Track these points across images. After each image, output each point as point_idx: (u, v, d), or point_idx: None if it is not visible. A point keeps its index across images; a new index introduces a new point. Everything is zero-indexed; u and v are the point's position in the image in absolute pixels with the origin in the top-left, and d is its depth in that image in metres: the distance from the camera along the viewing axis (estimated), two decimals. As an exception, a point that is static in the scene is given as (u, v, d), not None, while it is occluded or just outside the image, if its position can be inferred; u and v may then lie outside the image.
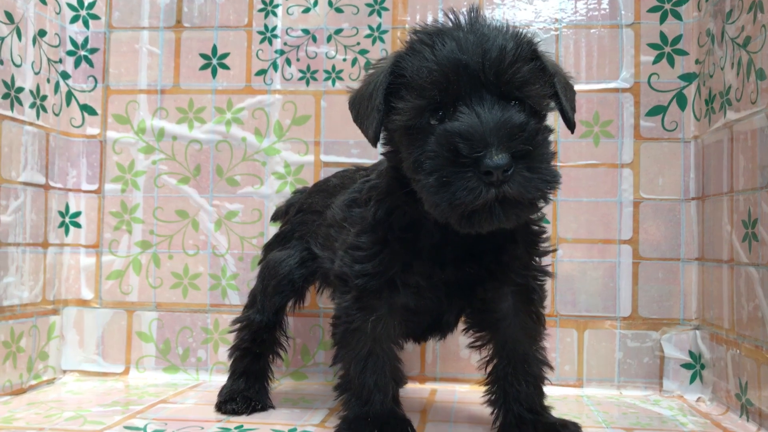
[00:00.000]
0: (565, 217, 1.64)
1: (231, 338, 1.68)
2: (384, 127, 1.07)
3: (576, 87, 1.60)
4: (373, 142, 1.06)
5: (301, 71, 1.73)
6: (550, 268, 1.21)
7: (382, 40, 1.71)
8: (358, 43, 1.71)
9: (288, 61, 1.73)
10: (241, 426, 1.27)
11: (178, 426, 1.25)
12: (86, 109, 1.77)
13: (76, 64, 1.77)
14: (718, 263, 1.46)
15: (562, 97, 1.06)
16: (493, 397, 1.20)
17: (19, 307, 1.56)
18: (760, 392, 1.26)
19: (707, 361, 1.53)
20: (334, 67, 1.72)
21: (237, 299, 1.72)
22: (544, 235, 1.18)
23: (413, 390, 1.60)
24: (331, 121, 1.71)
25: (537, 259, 1.17)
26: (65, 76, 1.75)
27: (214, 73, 1.75)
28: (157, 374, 1.72)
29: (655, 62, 1.63)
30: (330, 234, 1.29)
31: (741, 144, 1.34)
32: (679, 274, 1.61)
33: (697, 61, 1.60)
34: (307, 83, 1.72)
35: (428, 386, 1.64)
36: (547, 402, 1.20)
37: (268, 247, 1.51)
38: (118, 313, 1.75)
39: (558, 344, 1.63)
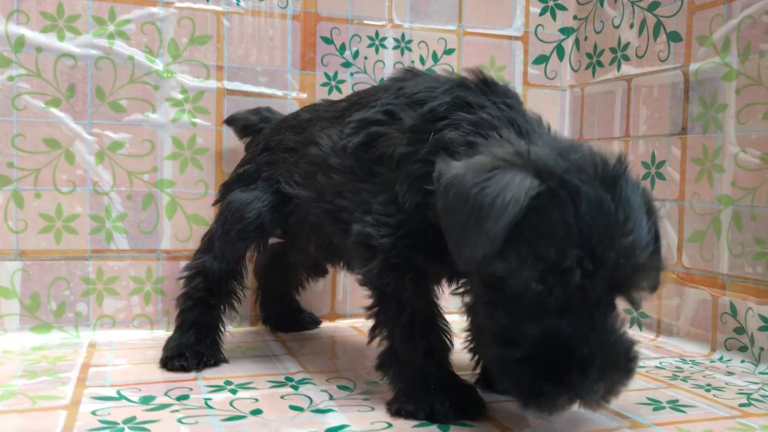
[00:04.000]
0: (464, 155, 1.73)
1: (119, 288, 1.49)
2: None
3: (475, 31, 1.72)
4: (465, 267, 0.87)
5: (200, -16, 1.52)
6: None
7: (290, -39, 1.58)
8: (265, -39, 1.56)
9: (184, -29, 1.51)
10: (230, 381, 1.14)
11: (159, 389, 1.09)
12: None
13: None
14: (603, 198, 1.68)
15: (662, 263, 0.94)
16: (474, 344, 1.16)
17: None
18: (659, 305, 1.51)
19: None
20: (238, -16, 1.55)
21: (125, 243, 1.49)
22: None
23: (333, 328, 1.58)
24: (236, 45, 1.54)
25: None
26: None
27: (90, -25, 1.45)
28: (23, 335, 1.42)
29: (541, 14, 1.77)
30: (315, 175, 1.17)
31: (644, 96, 1.55)
32: (554, 208, 1.81)
33: (575, 17, 1.78)
34: (207, -1, 1.53)
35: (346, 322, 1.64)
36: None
37: (227, 187, 1.32)
38: (-34, 265, 1.40)
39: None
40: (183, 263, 1.43)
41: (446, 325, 1.05)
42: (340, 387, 1.12)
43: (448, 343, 1.04)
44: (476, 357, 1.16)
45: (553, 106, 1.79)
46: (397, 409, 0.99)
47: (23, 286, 1.44)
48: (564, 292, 0.81)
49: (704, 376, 1.22)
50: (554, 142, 0.90)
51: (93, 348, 1.37)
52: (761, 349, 1.27)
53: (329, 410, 1.00)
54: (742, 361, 1.30)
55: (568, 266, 0.80)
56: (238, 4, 1.54)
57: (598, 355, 0.81)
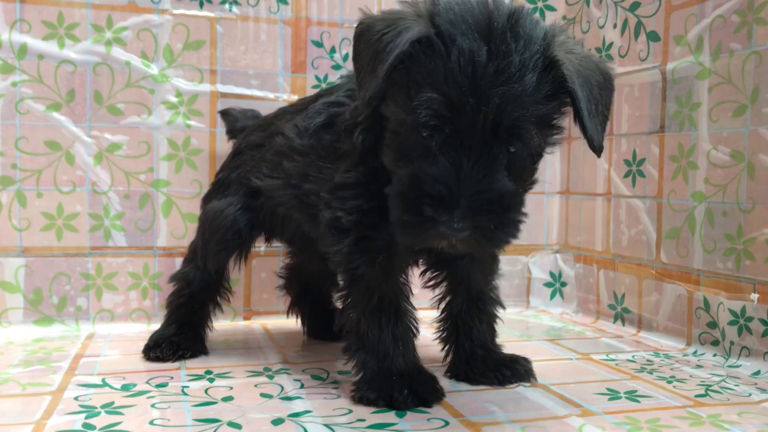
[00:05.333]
0: (453, 154, 1.77)
1: (118, 284, 1.56)
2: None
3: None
4: (365, 107, 0.96)
5: (193, -8, 1.59)
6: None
7: (281, -33, 1.64)
8: (257, -32, 1.62)
9: (178, -21, 1.58)
10: (210, 371, 1.20)
11: (142, 378, 1.15)
12: None
13: None
14: (589, 196, 1.71)
15: (586, 117, 0.93)
16: (445, 334, 1.22)
17: None
18: (640, 300, 1.53)
19: (569, 279, 1.80)
20: (230, -9, 1.61)
21: (123, 240, 1.56)
22: None
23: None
24: (228, 49, 1.60)
25: None
26: None
27: (88, -16, 1.52)
28: (26, 328, 1.50)
29: (529, 15, 1.81)
30: (281, 162, 1.21)
31: (626, 95, 1.58)
32: (543, 205, 1.84)
33: (564, 18, 1.81)
34: (201, 5, 1.58)
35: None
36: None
37: (207, 198, 1.38)
38: (-28, 261, 1.49)
39: (447, 272, 1.78)
40: (179, 260, 1.51)
41: (412, 313, 1.09)
42: (314, 377, 1.18)
43: (414, 330, 1.08)
44: (447, 347, 1.21)
45: (542, 105, 1.82)
46: (360, 397, 1.04)
47: (26, 282, 1.52)
48: (439, 137, 0.88)
49: (671, 369, 1.24)
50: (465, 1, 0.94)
51: (89, 340, 1.44)
52: (731, 342, 1.30)
53: (297, 398, 1.06)
54: (714, 355, 1.33)
55: (426, 115, 0.87)
56: (230, 11, 1.61)
57: (461, 197, 0.86)
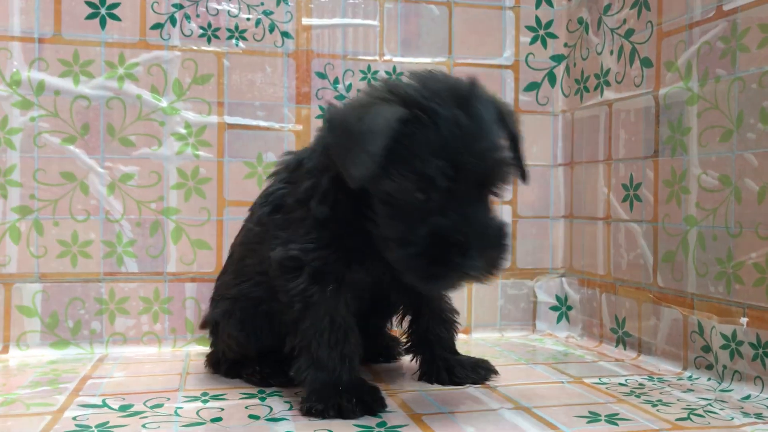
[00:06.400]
0: (456, 180, 1.80)
1: (130, 308, 1.63)
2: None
3: (466, 61, 1.80)
4: (356, 185, 1.03)
5: (201, 28, 1.66)
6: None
7: (286, 2, 1.70)
8: (262, 3, 1.69)
9: (187, 17, 1.65)
10: (206, 393, 1.25)
11: (141, 399, 1.20)
12: (-59, 54, 1.53)
13: (-73, 2, 1.52)
14: (591, 220, 1.72)
15: (523, 157, 1.15)
16: (415, 347, 1.37)
17: None
18: (640, 324, 1.54)
19: (574, 303, 1.81)
20: (237, 26, 1.67)
21: (135, 266, 1.63)
22: None
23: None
24: (235, 82, 1.67)
25: None
26: None
27: (102, 24, 1.61)
28: (43, 350, 1.57)
29: (531, 43, 1.84)
30: (245, 259, 1.33)
31: (622, 120, 1.59)
32: (548, 229, 1.86)
33: (565, 45, 1.84)
34: (209, 41, 1.66)
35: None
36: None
37: None
38: (-7, 287, 1.57)
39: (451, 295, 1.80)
40: (188, 284, 1.61)
41: (356, 332, 1.20)
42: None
43: (360, 349, 1.20)
44: (420, 357, 1.36)
45: (545, 131, 1.85)
46: (308, 408, 1.11)
47: (43, 306, 1.59)
48: (439, 196, 1.01)
49: (660, 393, 1.25)
50: (415, 76, 1.09)
51: (101, 362, 1.50)
52: (724, 366, 1.29)
53: (282, 419, 1.09)
54: (709, 379, 1.32)
55: (433, 175, 1.00)
56: (237, 45, 1.68)
57: (474, 238, 1.01)
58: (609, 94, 1.65)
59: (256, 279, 1.29)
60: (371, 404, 1.12)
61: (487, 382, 1.33)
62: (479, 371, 1.34)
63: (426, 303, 1.35)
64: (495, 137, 1.05)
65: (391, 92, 1.06)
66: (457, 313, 1.40)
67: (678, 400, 1.20)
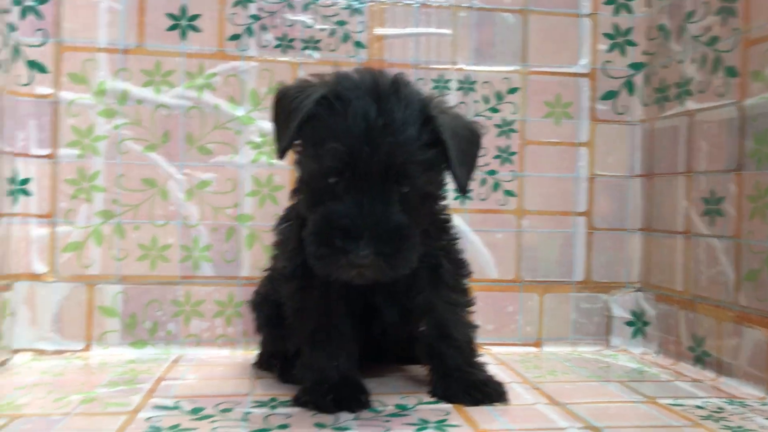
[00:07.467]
0: (529, 190, 1.77)
1: (205, 311, 1.68)
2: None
3: (541, 69, 1.77)
4: (279, 157, 1.15)
5: (277, 39, 1.69)
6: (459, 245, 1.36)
7: (360, 13, 1.72)
8: (337, 14, 1.71)
9: (264, 28, 1.69)
10: (275, 399, 1.27)
11: (212, 402, 1.23)
12: (34, 66, 1.61)
13: (23, 15, 1.60)
14: (669, 234, 1.66)
15: (455, 163, 1.15)
16: (424, 359, 1.34)
17: (-19, 284, 1.42)
18: (720, 344, 1.48)
19: (651, 319, 1.75)
20: (311, 37, 1.70)
21: (210, 271, 1.68)
22: (450, 224, 1.35)
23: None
24: (309, 92, 1.70)
25: (445, 240, 1.33)
26: (12, 28, 1.58)
27: (183, 35, 1.66)
28: (123, 350, 1.64)
29: (609, 51, 1.79)
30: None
31: (704, 131, 1.54)
32: (625, 242, 1.81)
33: (645, 53, 1.78)
34: (284, 51, 1.69)
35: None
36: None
37: None
38: (77, 288, 1.63)
39: (521, 308, 1.78)
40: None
41: (346, 334, 1.27)
42: (371, 409, 1.21)
43: (349, 349, 1.26)
44: (428, 371, 1.32)
45: (622, 141, 1.80)
46: (295, 398, 1.23)
47: (123, 307, 1.65)
48: (343, 184, 1.08)
49: (741, 418, 1.19)
50: (355, 71, 1.18)
51: (175, 363, 1.55)
52: (811, 393, 1.23)
53: (347, 428, 1.10)
54: (794, 406, 1.26)
55: (324, 155, 1.08)
56: (311, 56, 1.70)
57: (363, 227, 1.05)
58: (690, 104, 1.59)
59: (276, 285, 1.39)
60: (349, 403, 1.19)
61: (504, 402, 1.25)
62: (474, 394, 1.25)
63: (424, 311, 1.30)
64: (403, 133, 1.09)
65: (324, 80, 1.16)
66: (472, 326, 1.32)
67: (760, 427, 1.14)
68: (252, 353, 1.64)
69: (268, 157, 1.69)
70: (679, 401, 1.29)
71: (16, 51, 1.59)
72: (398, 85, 1.15)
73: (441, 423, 1.13)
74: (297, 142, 1.16)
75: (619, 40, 1.79)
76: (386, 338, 1.40)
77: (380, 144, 1.07)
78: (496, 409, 1.22)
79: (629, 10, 1.79)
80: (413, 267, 1.13)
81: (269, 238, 1.68)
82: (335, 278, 1.12)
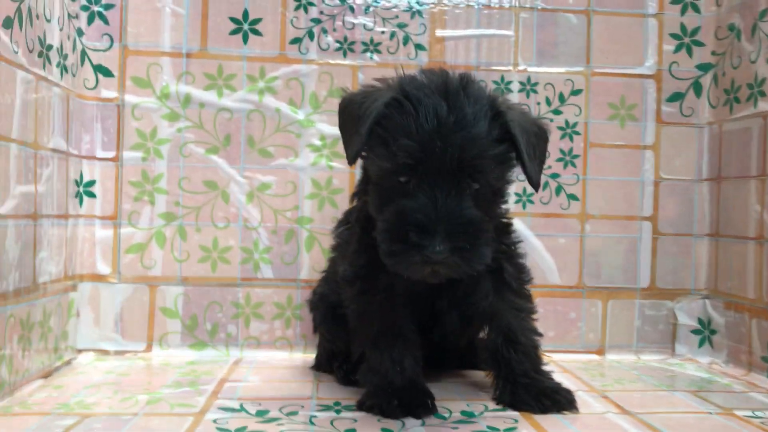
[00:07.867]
0: (592, 194, 1.74)
1: (264, 313, 1.68)
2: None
3: (604, 71, 1.73)
4: (350, 162, 1.17)
5: (338, 42, 1.69)
6: (521, 250, 1.35)
7: (420, 15, 1.71)
8: (397, 17, 1.70)
9: (324, 31, 1.69)
10: (339, 402, 1.26)
11: (276, 405, 1.23)
12: (100, 69, 1.64)
13: (90, 20, 1.63)
14: (740, 240, 1.61)
15: (525, 158, 1.14)
16: (490, 365, 1.31)
17: (49, 284, 1.45)
18: (797, 355, 1.42)
19: (718, 327, 1.69)
20: (372, 40, 1.70)
21: (270, 273, 1.68)
22: (512, 227, 1.34)
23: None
24: (369, 94, 1.69)
25: (507, 243, 1.32)
26: (80, 33, 1.61)
27: (245, 39, 1.67)
28: (183, 351, 1.65)
29: (675, 51, 1.75)
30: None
31: (779, 133, 1.48)
32: (691, 248, 1.75)
33: (713, 53, 1.73)
34: (344, 54, 1.69)
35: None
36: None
37: None
38: (140, 289, 1.65)
39: (584, 314, 1.74)
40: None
41: (411, 339, 1.26)
42: (437, 415, 1.20)
43: (413, 352, 1.25)
44: (494, 378, 1.30)
45: (690, 143, 1.75)
46: (360, 403, 1.22)
47: (184, 308, 1.67)
48: (414, 181, 1.09)
49: (826, 433, 1.14)
50: (421, 71, 1.20)
51: (236, 365, 1.56)
52: None
53: (415, 434, 1.09)
54: None
55: (398, 153, 1.07)
56: (371, 58, 1.70)
57: (437, 222, 1.04)
58: (764, 106, 1.53)
59: (332, 286, 1.40)
60: (414, 408, 1.17)
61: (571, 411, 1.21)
62: (543, 401, 1.22)
63: (489, 316, 1.28)
64: (474, 128, 1.09)
65: (389, 83, 1.18)
66: (538, 333, 1.30)
67: None
68: (310, 356, 1.64)
69: (327, 160, 1.68)
70: (758, 413, 1.25)
71: (84, 55, 1.62)
72: (466, 82, 1.15)
73: (510, 431, 1.11)
74: (366, 146, 1.16)
75: (686, 40, 1.75)
76: (445, 343, 1.39)
77: (452, 139, 1.07)
78: (566, 417, 1.19)
79: (697, 9, 1.75)
80: (488, 263, 1.11)
81: (328, 241, 1.68)
82: (407, 276, 1.11)
